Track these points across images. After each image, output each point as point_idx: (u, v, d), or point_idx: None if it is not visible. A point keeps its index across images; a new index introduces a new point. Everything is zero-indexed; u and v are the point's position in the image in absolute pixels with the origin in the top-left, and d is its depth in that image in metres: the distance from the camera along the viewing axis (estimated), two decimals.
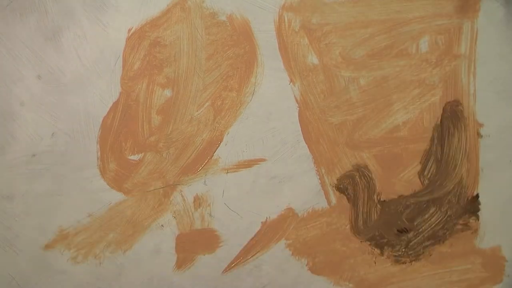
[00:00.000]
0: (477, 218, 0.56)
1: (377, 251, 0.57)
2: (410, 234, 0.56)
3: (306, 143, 0.57)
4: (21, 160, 0.57)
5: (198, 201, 0.58)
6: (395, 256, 0.57)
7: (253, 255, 0.58)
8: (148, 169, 0.58)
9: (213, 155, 0.57)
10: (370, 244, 0.57)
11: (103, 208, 0.58)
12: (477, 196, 0.56)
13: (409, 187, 0.57)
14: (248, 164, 0.57)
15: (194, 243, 0.58)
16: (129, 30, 0.57)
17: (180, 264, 0.58)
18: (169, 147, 0.58)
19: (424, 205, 0.56)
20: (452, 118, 0.55)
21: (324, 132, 0.57)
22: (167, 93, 0.57)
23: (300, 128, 0.57)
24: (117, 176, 0.58)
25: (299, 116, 0.57)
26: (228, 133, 0.57)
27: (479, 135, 0.56)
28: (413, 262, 0.57)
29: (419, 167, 0.56)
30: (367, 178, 0.56)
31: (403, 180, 0.57)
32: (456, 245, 0.56)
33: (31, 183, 0.57)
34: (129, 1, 0.57)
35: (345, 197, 0.57)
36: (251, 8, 0.56)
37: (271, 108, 0.57)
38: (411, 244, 0.56)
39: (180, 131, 0.57)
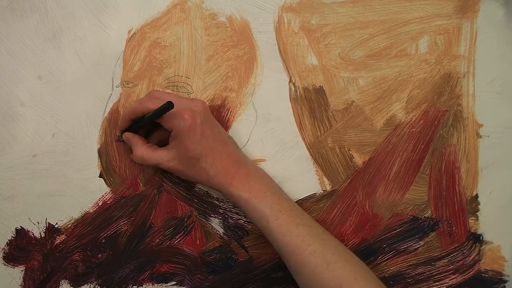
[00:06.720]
0: (477, 218, 0.56)
1: None
2: None
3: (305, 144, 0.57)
4: (22, 161, 0.57)
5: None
6: None
7: None
8: None
9: None
10: None
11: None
12: (477, 196, 0.56)
13: None
14: None
15: None
16: (129, 31, 0.57)
17: None
18: None
19: None
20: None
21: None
22: None
23: (299, 129, 0.57)
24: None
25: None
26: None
27: (478, 135, 0.56)
28: None
29: None
30: None
31: None
32: None
33: (32, 183, 0.57)
34: (129, 2, 0.57)
35: None
36: (250, 9, 0.56)
37: (270, 108, 0.57)
38: None
39: None
